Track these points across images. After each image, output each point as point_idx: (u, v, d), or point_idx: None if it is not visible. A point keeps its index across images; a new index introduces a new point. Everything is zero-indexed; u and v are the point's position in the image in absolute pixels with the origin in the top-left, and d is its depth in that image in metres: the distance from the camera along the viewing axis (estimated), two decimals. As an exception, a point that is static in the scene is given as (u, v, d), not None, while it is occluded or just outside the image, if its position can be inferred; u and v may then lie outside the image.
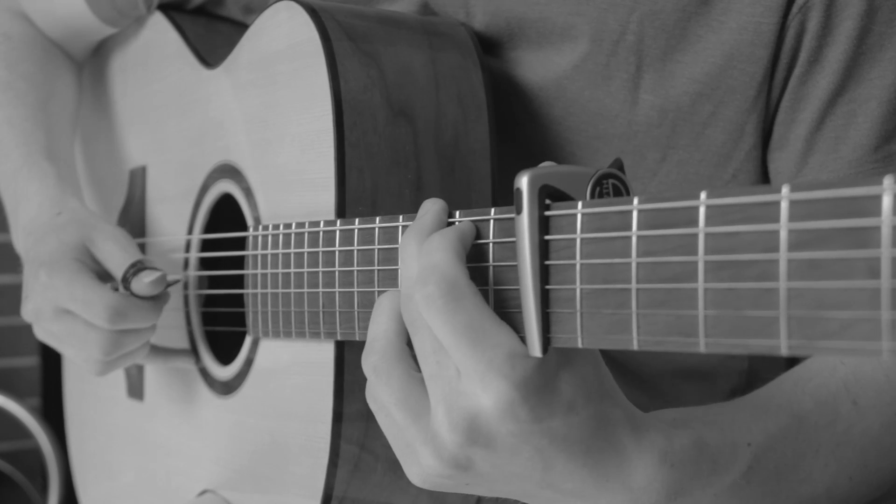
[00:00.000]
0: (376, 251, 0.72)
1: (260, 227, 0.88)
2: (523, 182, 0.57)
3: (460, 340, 0.58)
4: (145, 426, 1.12)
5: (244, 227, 0.92)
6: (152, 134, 1.12)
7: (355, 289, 0.74)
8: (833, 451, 0.75)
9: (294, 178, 0.85)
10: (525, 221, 0.57)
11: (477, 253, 0.63)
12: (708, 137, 0.85)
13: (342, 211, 0.79)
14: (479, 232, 0.63)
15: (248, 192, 0.91)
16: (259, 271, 0.87)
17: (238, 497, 0.95)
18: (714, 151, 0.86)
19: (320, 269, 0.78)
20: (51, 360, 2.38)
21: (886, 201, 0.42)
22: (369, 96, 0.81)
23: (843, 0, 0.80)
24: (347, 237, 0.75)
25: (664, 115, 0.85)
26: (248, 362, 0.91)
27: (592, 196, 0.58)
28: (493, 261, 0.62)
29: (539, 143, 0.90)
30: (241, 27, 1.02)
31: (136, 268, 0.93)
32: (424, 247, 0.61)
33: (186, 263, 1.02)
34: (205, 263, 1.02)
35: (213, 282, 1.01)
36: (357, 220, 0.74)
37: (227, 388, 0.95)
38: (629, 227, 0.53)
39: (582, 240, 0.56)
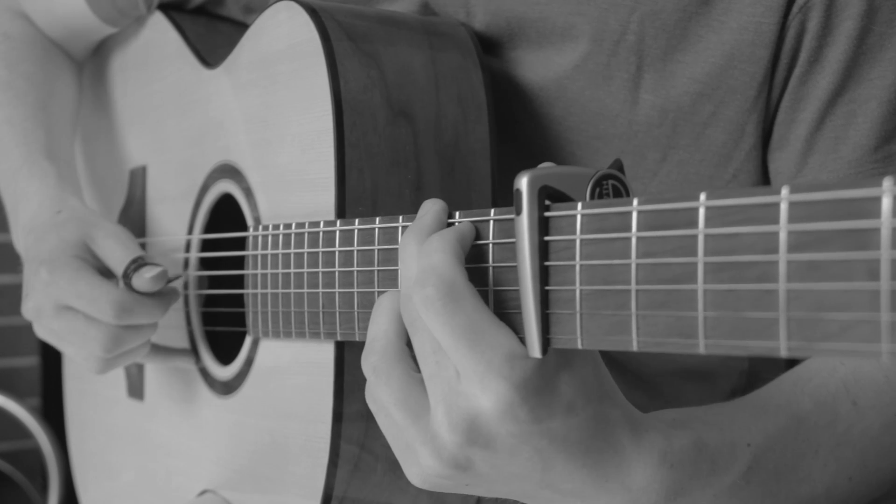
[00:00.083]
0: (376, 251, 0.72)
1: (260, 228, 0.88)
2: (523, 183, 0.57)
3: (458, 342, 0.59)
4: (145, 426, 1.12)
5: (244, 227, 0.92)
6: (152, 134, 1.12)
7: (355, 289, 0.74)
8: (832, 452, 0.75)
9: (294, 179, 0.85)
10: (525, 222, 0.57)
11: (477, 253, 0.63)
12: (708, 137, 0.85)
13: (342, 211, 0.79)
14: (478, 233, 0.63)
15: (249, 192, 0.91)
16: (259, 271, 0.87)
17: (238, 497, 0.95)
18: (714, 151, 0.86)
19: (320, 269, 0.78)
20: (51, 360, 2.38)
21: (886, 203, 0.42)
22: (369, 96, 0.81)
23: (843, 0, 0.80)
24: (347, 237, 0.75)
25: (665, 115, 0.85)
26: (248, 362, 0.91)
27: (592, 197, 0.58)
28: (493, 261, 0.62)
29: (539, 143, 0.89)
30: (242, 27, 1.02)
31: (137, 264, 0.93)
32: (423, 248, 0.61)
33: (186, 263, 1.02)
34: (205, 263, 1.02)
35: (214, 282, 1.01)
36: (357, 220, 0.74)
37: (227, 388, 0.95)
38: (629, 228, 0.53)
39: (582, 241, 0.56)
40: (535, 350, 0.58)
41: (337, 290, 0.76)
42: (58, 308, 0.93)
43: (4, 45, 1.18)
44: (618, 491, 0.64)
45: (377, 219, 0.72)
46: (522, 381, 0.58)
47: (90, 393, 1.26)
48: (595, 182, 0.58)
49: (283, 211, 0.86)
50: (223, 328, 1.00)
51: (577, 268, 0.56)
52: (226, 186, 0.96)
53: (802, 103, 0.83)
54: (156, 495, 1.10)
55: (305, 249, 0.80)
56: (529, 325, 0.58)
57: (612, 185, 0.59)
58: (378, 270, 0.72)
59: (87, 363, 0.95)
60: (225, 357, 0.97)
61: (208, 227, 1.01)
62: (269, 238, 0.86)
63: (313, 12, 0.83)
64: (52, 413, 2.12)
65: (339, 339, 0.78)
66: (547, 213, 0.57)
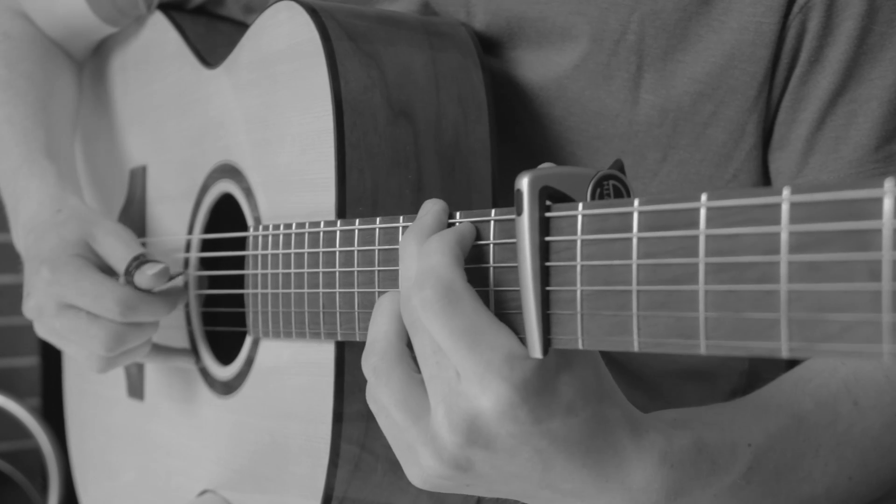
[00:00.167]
0: (376, 252, 0.72)
1: (260, 228, 0.88)
2: (524, 183, 0.57)
3: (457, 343, 0.59)
4: (145, 426, 1.12)
5: (244, 227, 0.92)
6: (152, 133, 1.12)
7: (356, 289, 0.74)
8: (833, 451, 0.75)
9: (294, 179, 0.85)
10: (525, 223, 0.57)
11: (477, 254, 0.63)
12: (709, 137, 0.85)
13: (342, 211, 0.79)
14: (479, 233, 0.63)
15: (249, 192, 0.91)
16: (259, 271, 0.87)
17: (238, 497, 0.95)
18: (715, 151, 0.86)
19: (320, 269, 0.78)
20: (51, 360, 2.38)
21: (887, 204, 0.42)
22: (370, 96, 0.81)
23: (843, 0, 0.80)
24: (348, 238, 0.75)
25: (665, 115, 0.85)
26: (249, 362, 0.91)
27: (593, 197, 0.58)
28: (494, 262, 0.62)
29: (539, 143, 0.89)
30: (242, 27, 1.02)
31: (139, 261, 0.93)
32: (423, 249, 0.61)
33: (187, 263, 1.02)
34: (205, 263, 1.02)
35: (214, 282, 1.01)
36: (357, 220, 0.74)
37: (227, 388, 0.95)
38: (630, 229, 0.53)
39: (582, 241, 0.55)
40: (536, 350, 0.58)
41: (337, 290, 0.76)
42: (60, 306, 0.93)
43: (4, 44, 1.18)
44: (618, 491, 0.64)
45: (378, 219, 0.72)
46: (522, 381, 0.58)
47: (90, 393, 1.26)
48: (596, 182, 0.58)
49: (283, 211, 0.86)
50: (223, 328, 1.00)
51: (578, 268, 0.56)
52: (226, 186, 0.96)
53: (803, 103, 0.83)
54: (156, 495, 1.10)
55: (306, 249, 0.80)
56: (530, 326, 0.58)
57: (612, 186, 0.59)
58: (378, 271, 0.72)
59: (89, 362, 0.95)
60: (225, 357, 0.97)
61: (208, 227, 1.01)
62: (270, 238, 0.85)
63: (313, 12, 0.83)
64: (52, 413, 2.12)
65: (339, 339, 0.78)
66: (548, 214, 0.57)
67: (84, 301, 0.92)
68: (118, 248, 0.95)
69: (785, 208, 0.45)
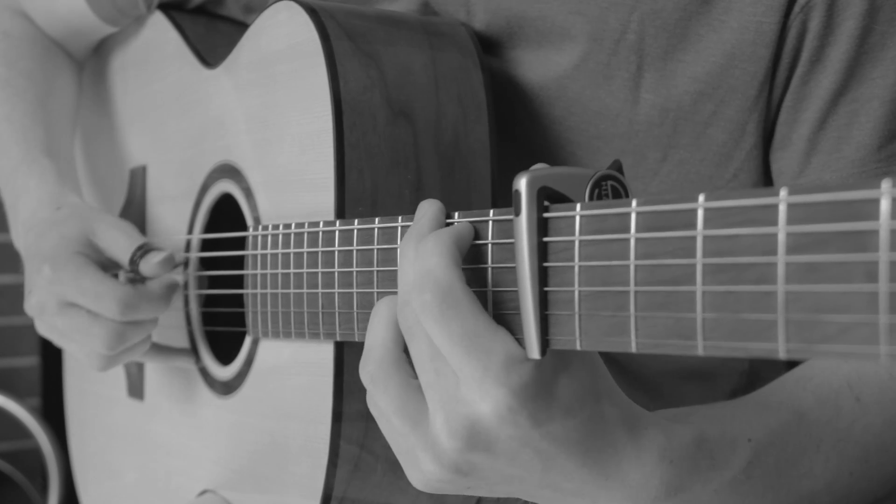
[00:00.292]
0: (375, 252, 0.72)
1: (260, 228, 0.88)
2: (522, 184, 0.57)
3: (456, 347, 0.59)
4: (145, 426, 1.12)
5: (244, 227, 0.92)
6: (152, 133, 1.12)
7: (354, 290, 0.74)
8: (834, 447, 0.75)
9: (294, 179, 0.85)
10: (524, 223, 0.57)
11: (476, 254, 0.63)
12: (709, 137, 0.85)
13: (342, 211, 0.79)
14: (478, 233, 0.63)
15: (248, 192, 0.91)
16: (259, 271, 0.87)
17: (238, 497, 0.95)
18: (715, 151, 0.86)
19: (320, 269, 0.78)
20: (51, 360, 2.38)
21: (884, 205, 0.42)
22: (369, 96, 0.81)
23: (844, 0, 0.80)
24: (347, 238, 0.75)
25: (665, 115, 0.85)
26: (248, 362, 0.91)
27: (591, 198, 0.58)
28: (492, 262, 0.62)
29: (539, 143, 0.89)
30: (242, 27, 1.02)
31: (143, 250, 0.94)
32: (420, 251, 0.61)
33: (186, 263, 1.02)
34: (205, 263, 1.02)
35: (214, 282, 1.01)
36: (356, 220, 0.74)
37: (227, 388, 0.95)
38: (628, 230, 0.53)
39: (581, 242, 0.55)
40: (534, 351, 0.58)
41: (336, 290, 0.76)
42: (61, 305, 0.93)
43: (4, 43, 1.18)
44: (618, 488, 0.64)
45: (377, 219, 0.72)
46: (520, 386, 0.58)
47: (90, 393, 1.26)
48: (594, 183, 0.58)
49: (282, 211, 0.86)
50: (223, 328, 1.00)
51: (576, 269, 0.56)
52: (226, 186, 0.96)
53: (805, 103, 0.83)
54: (156, 495, 1.10)
55: (305, 249, 0.80)
56: (528, 326, 0.58)
57: (611, 186, 0.58)
58: (377, 271, 0.72)
59: (89, 360, 0.96)
60: (225, 357, 0.97)
61: (208, 227, 1.01)
62: (269, 238, 0.86)
63: (313, 12, 0.83)
64: (52, 413, 2.12)
65: (338, 339, 0.78)
66: (546, 214, 0.57)
67: (84, 300, 0.92)
68: (120, 239, 0.95)
69: (782, 209, 0.45)
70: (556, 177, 0.58)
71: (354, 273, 0.74)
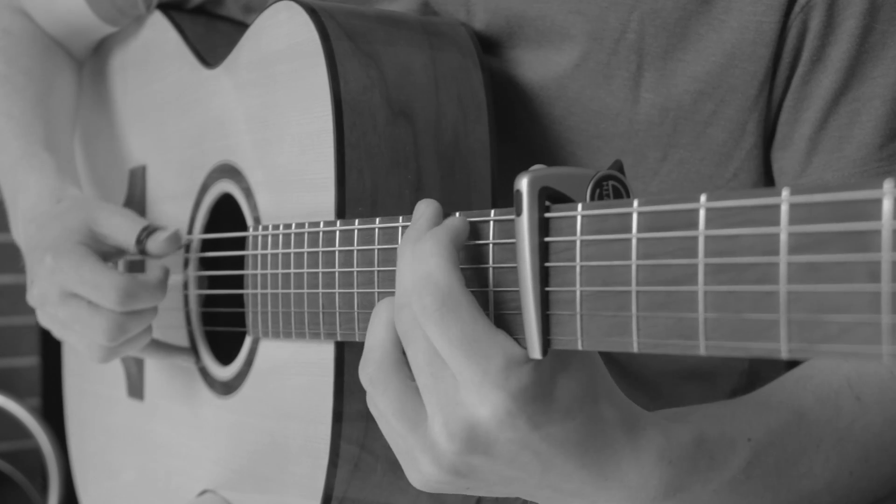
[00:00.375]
0: (376, 252, 0.72)
1: (260, 228, 0.88)
2: (523, 184, 0.57)
3: (456, 352, 0.59)
4: (145, 426, 1.12)
5: (244, 227, 0.92)
6: (152, 133, 1.12)
7: (355, 290, 0.74)
8: (834, 446, 0.75)
9: (294, 179, 0.85)
10: (525, 223, 0.57)
11: (477, 254, 0.63)
12: (709, 136, 0.85)
13: (342, 211, 0.79)
14: (478, 233, 0.63)
15: (248, 192, 0.91)
16: (259, 271, 0.87)
17: (238, 497, 0.94)
18: (715, 150, 0.86)
19: (320, 269, 0.78)
20: (51, 360, 2.38)
21: (887, 205, 0.42)
22: (369, 96, 0.81)
23: (845, -1, 0.80)
24: (347, 238, 0.75)
25: (665, 114, 0.85)
26: (248, 362, 0.91)
27: (592, 198, 0.58)
28: (493, 262, 0.62)
29: (540, 143, 0.89)
30: (241, 27, 1.02)
31: (148, 231, 0.95)
32: (417, 253, 0.61)
33: (186, 263, 1.02)
34: (205, 263, 1.02)
35: (214, 282, 1.01)
36: (357, 220, 0.74)
37: (227, 388, 0.95)
38: (629, 230, 0.53)
39: (582, 242, 0.55)
40: (536, 351, 0.58)
41: (337, 290, 0.76)
42: (63, 295, 0.94)
43: (4, 40, 1.18)
44: (617, 489, 0.64)
45: (377, 219, 0.72)
46: (519, 389, 0.58)
47: (90, 393, 1.26)
48: (595, 183, 0.58)
49: (282, 211, 0.86)
50: (223, 328, 1.00)
51: (578, 269, 0.56)
52: (226, 186, 0.96)
53: (806, 102, 0.83)
54: (156, 495, 1.10)
55: (305, 249, 0.80)
56: (530, 327, 0.58)
57: (612, 186, 0.58)
58: (378, 271, 0.72)
59: (90, 351, 0.96)
60: (225, 357, 0.97)
61: (208, 227, 1.01)
62: (269, 238, 0.85)
63: (313, 12, 0.83)
64: (52, 413, 2.12)
65: (339, 339, 0.78)
66: (547, 214, 0.57)
67: (84, 290, 0.92)
68: (123, 224, 0.96)
69: (784, 209, 0.45)
70: (557, 177, 0.58)
71: (355, 273, 0.74)
